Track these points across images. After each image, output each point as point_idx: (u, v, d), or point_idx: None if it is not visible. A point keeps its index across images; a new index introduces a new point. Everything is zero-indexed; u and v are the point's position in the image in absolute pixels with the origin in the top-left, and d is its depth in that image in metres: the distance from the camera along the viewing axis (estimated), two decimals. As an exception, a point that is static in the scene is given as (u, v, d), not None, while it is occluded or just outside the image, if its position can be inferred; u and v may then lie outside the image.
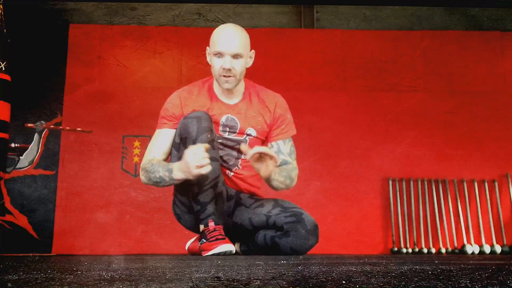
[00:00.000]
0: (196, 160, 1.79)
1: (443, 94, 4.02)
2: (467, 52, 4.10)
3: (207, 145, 1.83)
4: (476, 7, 4.23)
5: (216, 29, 2.07)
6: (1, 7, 2.51)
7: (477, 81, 4.05)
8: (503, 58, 4.10)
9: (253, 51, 2.10)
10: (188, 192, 2.00)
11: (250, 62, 2.09)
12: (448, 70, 4.06)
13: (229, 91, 2.09)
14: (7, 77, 2.49)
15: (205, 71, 3.85)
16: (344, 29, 4.17)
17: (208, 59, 2.09)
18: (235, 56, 1.99)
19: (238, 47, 1.99)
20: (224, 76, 2.00)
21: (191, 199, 1.99)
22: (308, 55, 4.04)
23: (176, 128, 2.04)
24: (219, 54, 2.00)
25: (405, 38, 4.11)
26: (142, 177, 2.05)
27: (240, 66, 2.01)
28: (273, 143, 2.14)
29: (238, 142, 2.10)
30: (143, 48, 3.98)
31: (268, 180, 2.00)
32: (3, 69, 2.46)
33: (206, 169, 1.80)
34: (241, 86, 2.13)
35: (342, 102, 3.96)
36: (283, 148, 2.13)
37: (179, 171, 1.88)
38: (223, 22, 4.04)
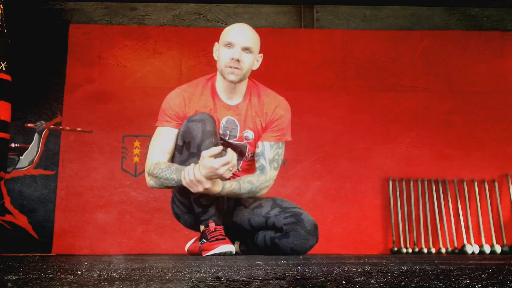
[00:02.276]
0: (217, 161, 1.77)
1: (443, 94, 4.02)
2: (467, 52, 4.10)
3: (219, 148, 1.81)
4: (476, 7, 4.23)
5: (231, 25, 2.06)
6: (1, 7, 2.51)
7: (477, 81, 4.05)
8: (503, 58, 4.10)
9: (261, 54, 2.07)
10: (189, 194, 1.99)
11: (257, 65, 2.06)
12: (448, 70, 4.06)
13: (231, 91, 2.04)
14: (7, 77, 2.49)
15: (205, 71, 3.84)
16: (344, 29, 4.17)
17: (215, 55, 2.06)
18: (245, 49, 1.97)
19: (249, 41, 1.97)
20: (231, 67, 1.96)
21: (192, 201, 1.99)
22: (308, 55, 4.04)
23: (178, 128, 1.99)
24: (229, 45, 1.97)
25: (405, 38, 4.11)
26: (151, 182, 1.98)
27: (248, 61, 1.98)
28: (259, 143, 2.07)
29: (239, 146, 2.08)
30: (143, 48, 3.98)
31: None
32: (4, 69, 2.46)
33: (232, 167, 1.81)
34: (243, 86, 2.08)
35: (342, 102, 3.96)
36: (267, 153, 2.05)
37: (204, 177, 1.82)
38: (223, 22, 4.07)
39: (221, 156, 1.81)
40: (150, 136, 3.87)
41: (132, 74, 3.95)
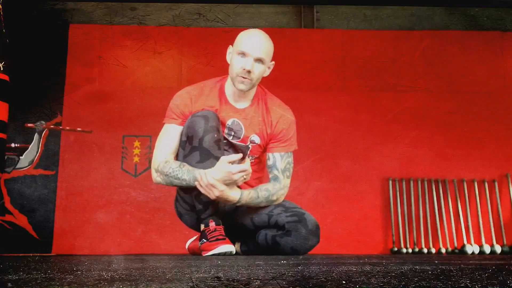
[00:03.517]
0: (236, 167, 1.87)
1: (443, 94, 4.02)
2: (467, 52, 4.09)
3: (239, 156, 1.91)
4: (476, 7, 4.23)
5: (246, 30, 2.09)
6: (1, 7, 2.51)
7: (477, 81, 4.05)
8: (503, 58, 4.10)
9: (273, 62, 2.11)
10: (191, 190, 2.00)
11: (267, 72, 2.10)
12: (448, 70, 4.06)
13: (240, 95, 2.08)
14: (5, 77, 2.49)
15: (205, 71, 3.87)
16: (344, 29, 4.17)
17: (228, 58, 2.09)
18: (258, 60, 2.01)
19: (262, 52, 2.01)
20: (242, 77, 2.00)
21: (194, 198, 2.00)
22: (308, 55, 4.03)
23: (183, 126, 2.04)
24: (242, 54, 2.00)
25: (405, 38, 4.11)
26: (158, 178, 2.04)
27: (259, 71, 2.02)
28: (269, 154, 2.14)
29: (241, 148, 2.11)
30: (143, 48, 3.98)
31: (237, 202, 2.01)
32: (1, 69, 2.46)
33: (247, 176, 1.92)
34: (252, 92, 2.12)
35: (342, 102, 3.96)
36: (278, 163, 2.11)
37: (217, 180, 1.89)
38: (223, 22, 4.07)
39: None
40: (150, 136, 3.91)
41: (132, 74, 3.95)
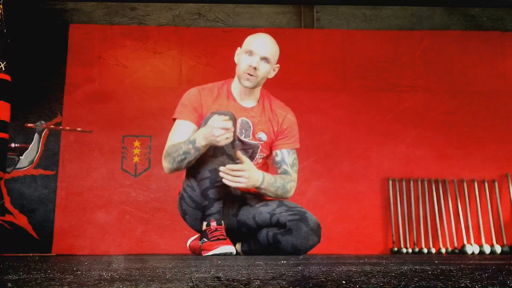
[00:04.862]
0: (219, 122, 1.84)
1: (443, 94, 4.02)
2: (467, 52, 4.09)
3: (227, 117, 1.89)
4: (476, 7, 4.23)
5: (254, 34, 2.20)
6: (1, 7, 2.51)
7: (477, 81, 4.05)
8: (503, 58, 4.10)
9: (278, 65, 2.20)
10: (201, 184, 2.01)
11: (272, 74, 2.20)
12: (448, 70, 4.06)
13: (246, 93, 2.16)
14: (7, 77, 2.49)
15: (205, 71, 3.88)
16: (344, 29, 4.17)
17: (236, 59, 2.18)
18: (263, 59, 2.11)
19: (268, 52, 2.11)
20: (248, 73, 2.09)
21: (201, 193, 2.01)
22: (308, 55, 4.04)
23: (196, 124, 2.07)
24: (250, 53, 2.11)
25: (405, 38, 4.11)
26: (166, 163, 2.04)
27: (264, 70, 2.12)
28: (277, 151, 2.20)
29: (252, 146, 2.15)
30: (143, 48, 3.98)
31: (257, 188, 2.06)
32: (3, 69, 2.46)
33: (229, 135, 1.87)
34: (258, 92, 2.21)
35: (342, 102, 3.96)
36: (286, 158, 2.18)
37: (202, 139, 1.89)
38: (223, 22, 4.07)
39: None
40: (150, 136, 3.92)
41: (132, 74, 3.95)
